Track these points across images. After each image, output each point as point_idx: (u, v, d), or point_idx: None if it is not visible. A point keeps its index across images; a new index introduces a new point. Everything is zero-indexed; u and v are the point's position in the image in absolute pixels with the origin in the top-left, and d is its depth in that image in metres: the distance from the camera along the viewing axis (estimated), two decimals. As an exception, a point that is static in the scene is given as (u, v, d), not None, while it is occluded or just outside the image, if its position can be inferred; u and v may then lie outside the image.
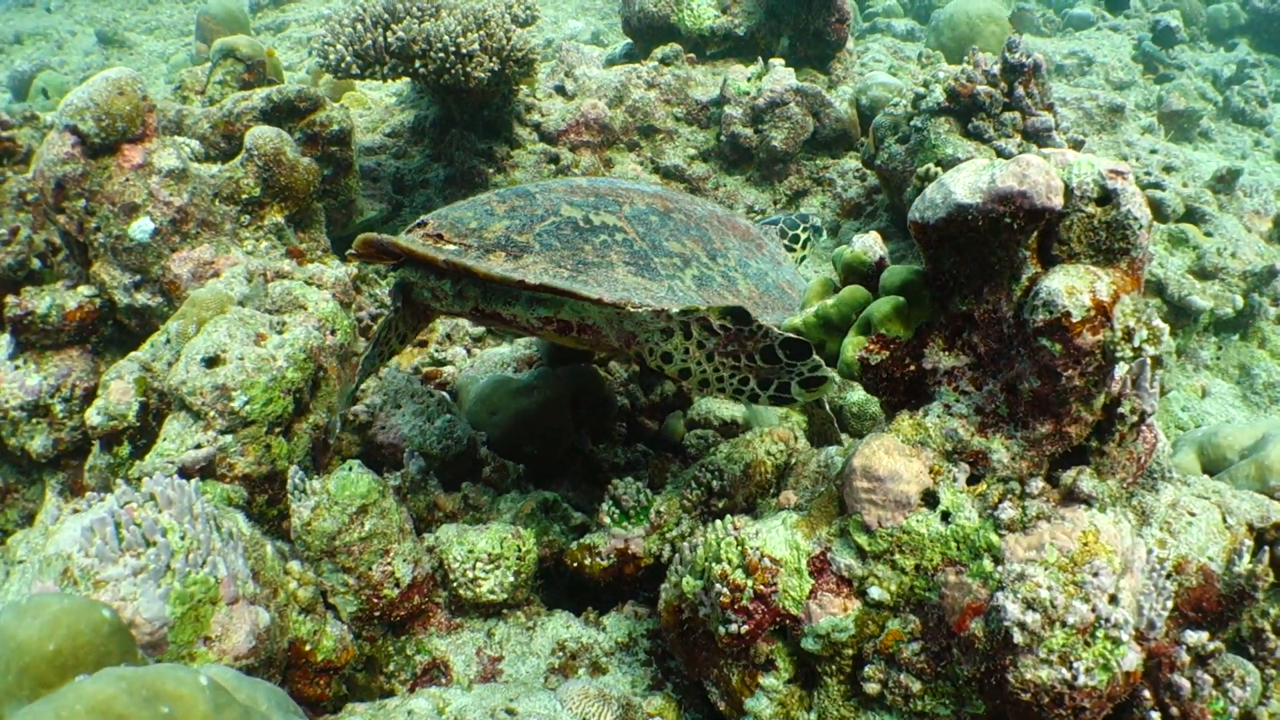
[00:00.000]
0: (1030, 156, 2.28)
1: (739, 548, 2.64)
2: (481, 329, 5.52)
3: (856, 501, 2.58)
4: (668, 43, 7.88)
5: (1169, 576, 2.81)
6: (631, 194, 3.46)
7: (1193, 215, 6.50)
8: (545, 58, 9.62)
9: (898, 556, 2.50)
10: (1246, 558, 2.82)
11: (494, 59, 6.09)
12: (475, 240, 3.12)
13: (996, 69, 5.54)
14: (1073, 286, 2.26)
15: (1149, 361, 2.67)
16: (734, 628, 2.59)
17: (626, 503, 3.30)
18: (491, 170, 6.91)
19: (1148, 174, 6.59)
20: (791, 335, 2.94)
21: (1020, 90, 5.49)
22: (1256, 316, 6.21)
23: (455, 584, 3.13)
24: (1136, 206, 2.29)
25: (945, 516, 2.49)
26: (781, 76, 6.80)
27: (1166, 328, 2.30)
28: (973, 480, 2.55)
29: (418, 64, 6.09)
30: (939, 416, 2.58)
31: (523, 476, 3.91)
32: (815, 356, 3.02)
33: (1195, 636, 2.61)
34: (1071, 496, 2.51)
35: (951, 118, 5.62)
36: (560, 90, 7.47)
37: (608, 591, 3.35)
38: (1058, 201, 2.28)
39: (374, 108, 8.87)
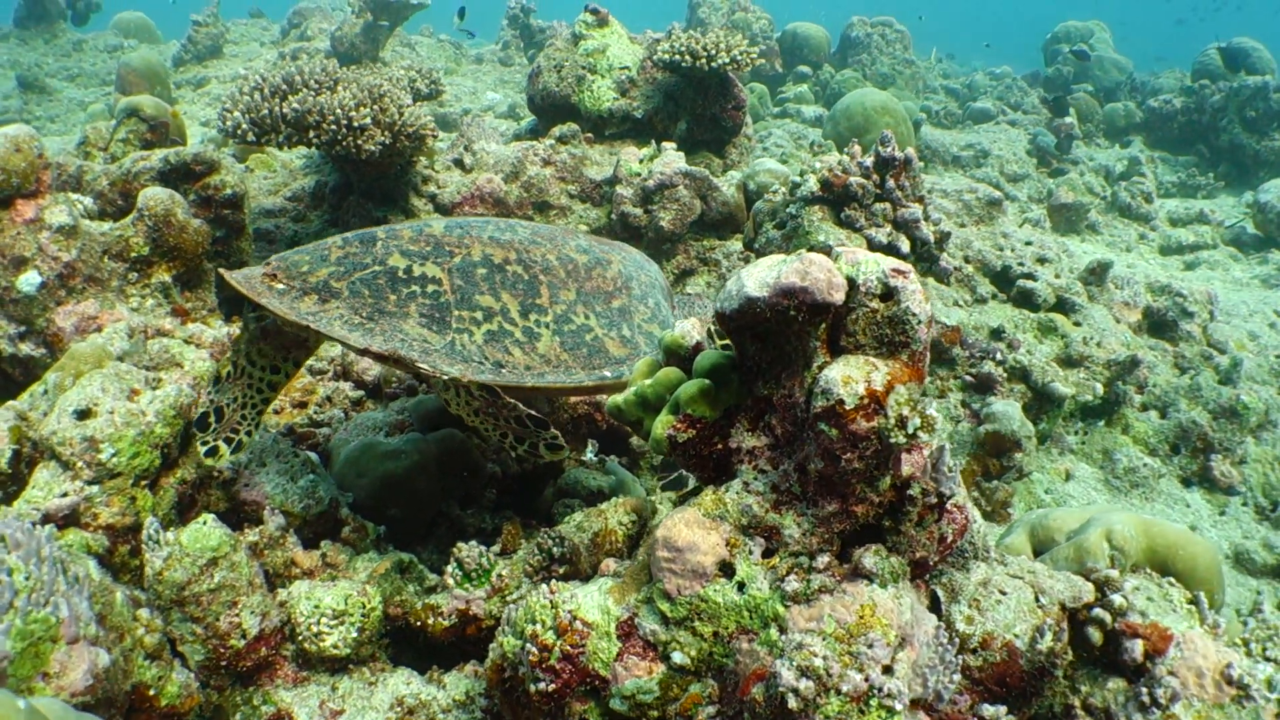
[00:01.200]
0: (815, 255, 2.41)
1: (552, 610, 2.73)
2: (361, 393, 5.54)
3: (659, 570, 2.66)
4: (569, 121, 8.06)
5: (973, 651, 2.89)
6: (477, 242, 3.63)
7: (1063, 305, 6.77)
8: (458, 126, 9.74)
9: (697, 623, 2.58)
10: (1049, 636, 2.91)
11: (385, 133, 6.22)
12: (299, 283, 3.38)
13: (869, 161, 5.76)
14: (849, 376, 2.37)
15: (948, 448, 2.79)
16: (543, 686, 2.67)
17: (469, 565, 3.40)
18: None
19: (1021, 264, 6.86)
20: (533, 414, 3.34)
21: (891, 182, 5.72)
22: (1122, 404, 6.45)
23: (301, 638, 3.22)
24: (916, 303, 2.42)
25: (740, 587, 2.58)
26: (671, 159, 6.98)
27: (940, 417, 2.41)
28: (768, 553, 2.64)
29: (311, 134, 6.23)
30: (738, 493, 2.68)
31: (384, 538, 4.01)
32: (553, 430, 3.40)
33: (992, 710, 2.69)
34: (856, 572, 2.59)
35: (825, 206, 5.82)
36: (459, 163, 7.58)
37: (456, 651, 3.41)
38: (839, 297, 2.41)
39: (280, 170, 8.90)
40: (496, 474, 4.76)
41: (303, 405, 5.95)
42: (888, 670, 2.46)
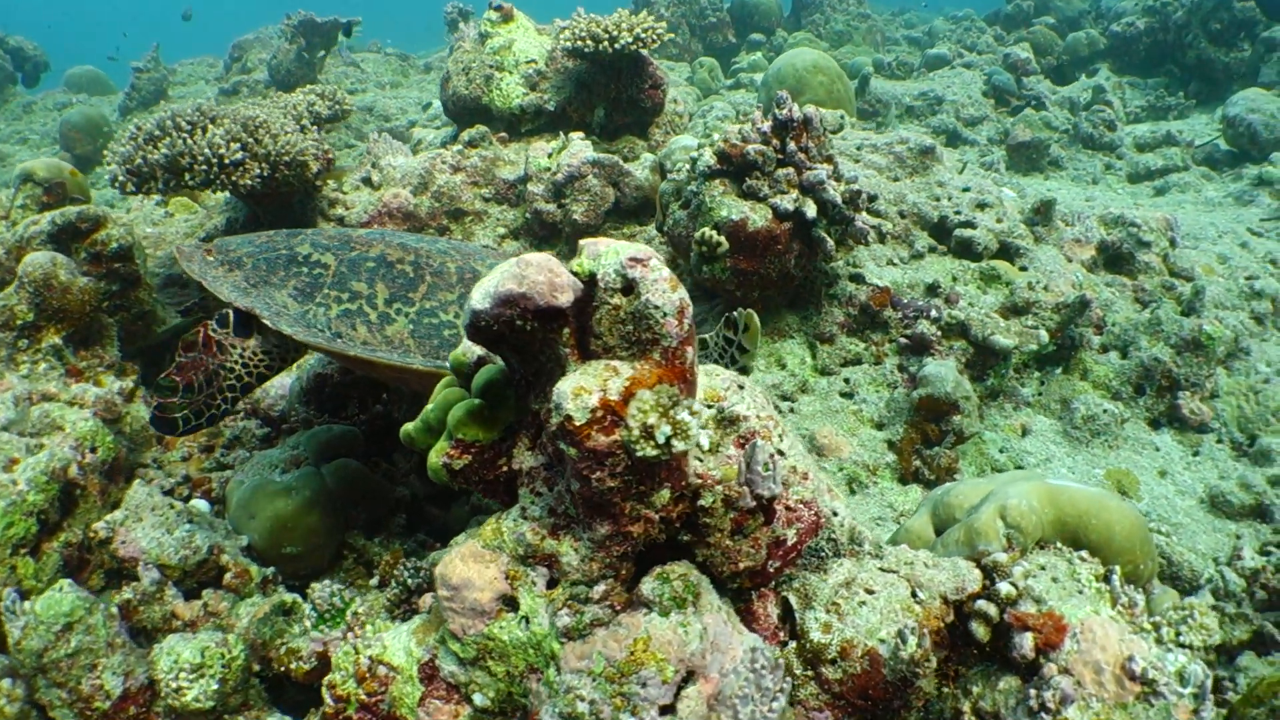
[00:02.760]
0: (533, 256, 2.11)
1: (354, 656, 2.61)
2: (268, 430, 5.49)
3: (444, 609, 2.46)
4: (483, 123, 7.74)
5: (832, 662, 2.55)
6: (383, 244, 3.97)
7: (1007, 251, 6.36)
8: (407, 140, 9.44)
9: (490, 663, 2.42)
10: (912, 641, 2.55)
11: (261, 165, 5.96)
12: (221, 256, 3.91)
13: (768, 126, 5.37)
14: (581, 388, 2.07)
15: (761, 444, 2.44)
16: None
17: (321, 606, 3.38)
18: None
19: (958, 213, 6.44)
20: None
21: (793, 145, 5.33)
22: (1079, 348, 6.03)
23: (163, 694, 3.23)
24: (658, 294, 2.08)
25: (525, 621, 2.38)
26: (578, 150, 6.63)
27: (694, 420, 2.07)
28: (553, 583, 2.42)
29: (186, 176, 6.02)
30: (514, 520, 2.47)
31: (276, 579, 4.04)
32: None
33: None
34: (636, 601, 2.28)
35: (727, 179, 5.44)
36: (367, 182, 7.28)
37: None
38: (564, 299, 2.09)
39: (200, 211, 8.65)
40: (406, 497, 4.67)
41: (209, 449, 5.91)
42: (667, 711, 2.16)
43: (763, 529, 2.57)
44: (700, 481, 2.34)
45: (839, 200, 5.20)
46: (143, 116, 8.41)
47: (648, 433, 2.08)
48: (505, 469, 2.50)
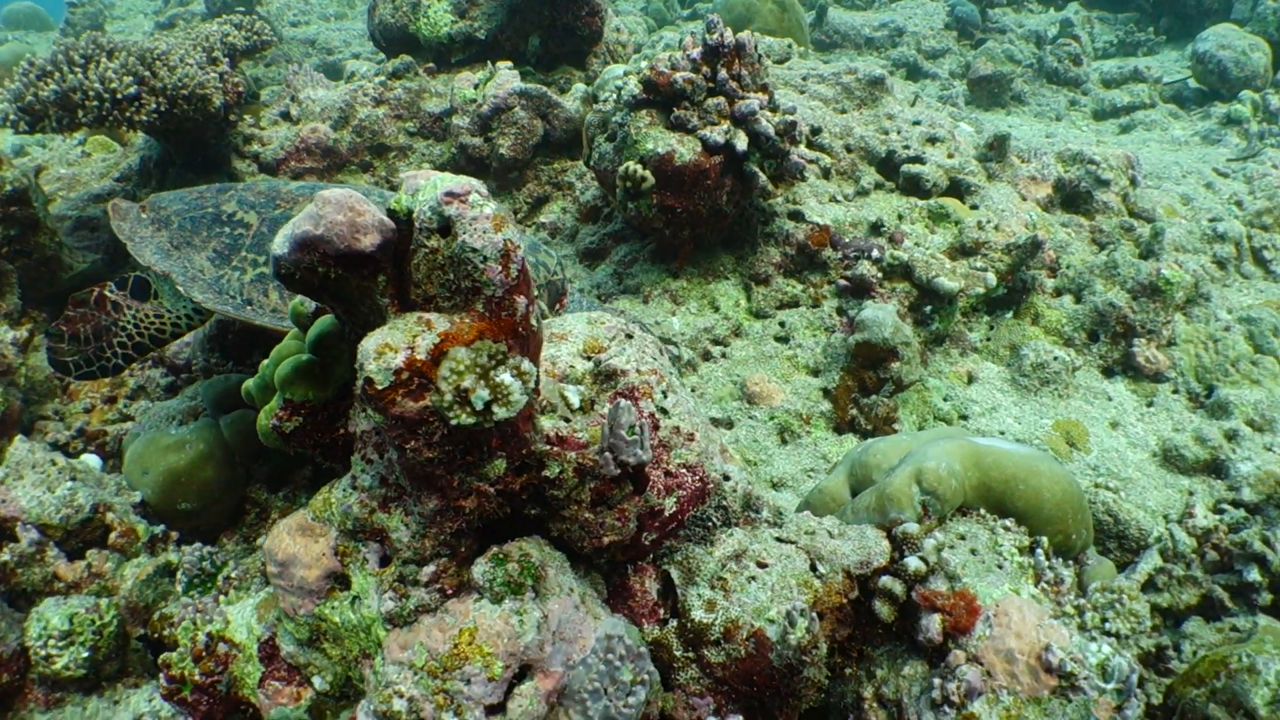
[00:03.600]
0: (334, 193, 1.75)
1: (192, 632, 2.47)
2: (173, 379, 5.31)
3: (275, 586, 2.26)
4: (413, 53, 7.26)
5: (715, 644, 2.25)
6: (307, 200, 3.79)
7: (957, 188, 6.00)
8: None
9: (326, 645, 2.21)
10: (801, 624, 2.24)
11: (159, 99, 5.49)
12: (154, 214, 3.82)
13: (698, 53, 4.96)
14: (386, 345, 1.71)
15: (625, 405, 2.10)
16: None
17: (190, 571, 3.16)
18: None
19: (906, 147, 6.07)
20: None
21: (724, 73, 4.92)
22: (1032, 291, 5.71)
23: (34, 662, 3.17)
24: (477, 235, 1.72)
25: (356, 602, 2.16)
26: (505, 80, 6.19)
27: (518, 382, 1.73)
28: (386, 561, 2.15)
29: (79, 113, 5.56)
30: (344, 490, 2.17)
31: (164, 537, 3.92)
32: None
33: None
34: (469, 585, 1.97)
35: (654, 109, 5.03)
36: (286, 116, 6.81)
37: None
38: (368, 242, 1.72)
39: (117, 150, 8.16)
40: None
41: (112, 400, 5.62)
42: (496, 710, 1.86)
43: (632, 498, 2.25)
44: (547, 449, 2.00)
45: (772, 132, 4.81)
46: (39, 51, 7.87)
47: (462, 397, 1.74)
48: (344, 432, 2.17)
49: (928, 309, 5.25)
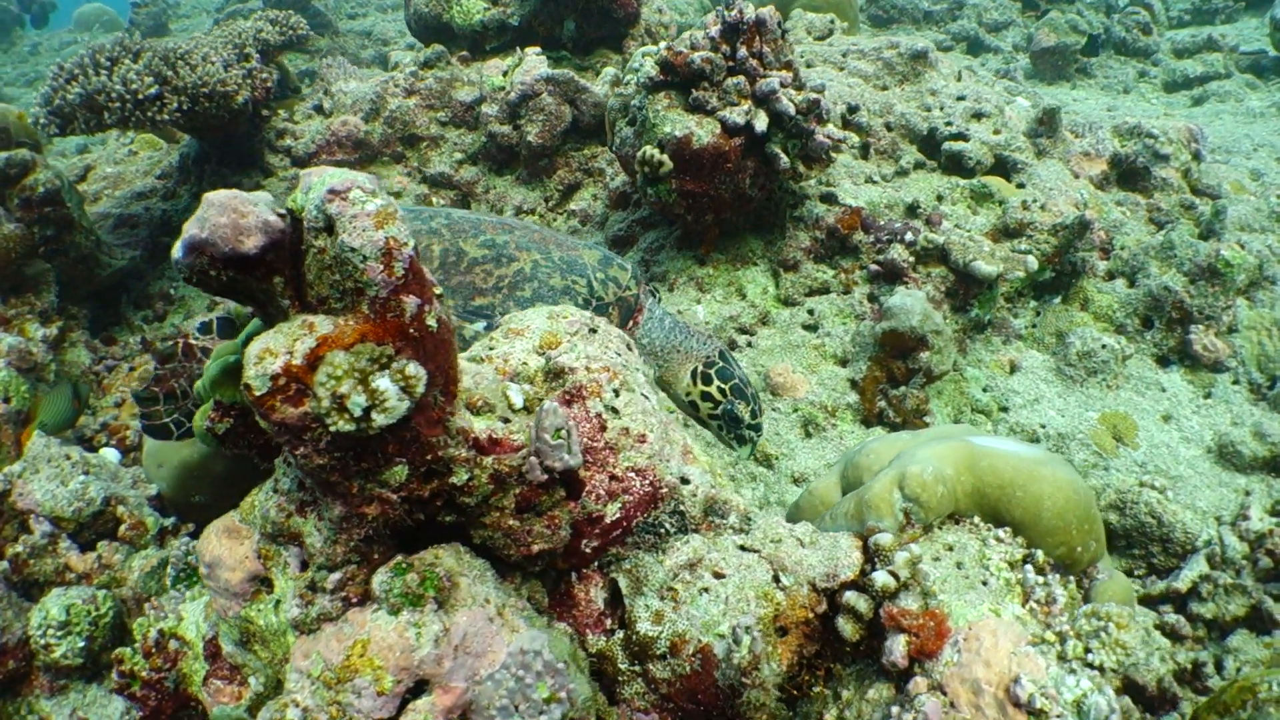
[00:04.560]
0: (220, 195, 1.70)
1: (146, 629, 2.46)
2: None
3: (207, 588, 2.24)
4: (448, 42, 7.20)
5: (661, 658, 2.09)
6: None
7: (1003, 166, 5.68)
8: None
9: (256, 647, 2.16)
10: (745, 642, 2.06)
11: (181, 98, 5.51)
12: None
13: (716, 31, 4.76)
14: (267, 350, 1.65)
15: (551, 407, 1.96)
16: (135, 714, 2.42)
17: (177, 565, 3.21)
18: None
19: (949, 124, 5.77)
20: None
21: (744, 51, 4.71)
22: (1082, 274, 5.38)
23: (35, 650, 3.24)
24: (356, 233, 1.63)
25: (278, 606, 2.10)
26: (532, 66, 6.06)
27: (394, 386, 1.63)
28: (306, 565, 2.07)
29: (105, 115, 5.65)
30: (266, 494, 2.12)
31: (171, 531, 3.98)
32: None
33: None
34: (369, 594, 1.88)
35: (672, 91, 4.85)
36: (319, 110, 6.81)
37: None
38: (251, 244, 1.65)
39: (163, 148, 8.29)
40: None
41: None
42: None
43: (564, 504, 2.11)
44: (456, 454, 1.88)
45: (793, 111, 4.59)
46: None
47: (339, 404, 1.62)
48: None
49: (968, 294, 4.97)
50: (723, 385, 3.54)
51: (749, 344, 4.95)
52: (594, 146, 6.30)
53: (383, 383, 1.64)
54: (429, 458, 1.86)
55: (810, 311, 5.04)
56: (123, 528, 3.97)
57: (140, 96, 5.51)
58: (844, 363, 4.82)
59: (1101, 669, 1.94)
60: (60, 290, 5.96)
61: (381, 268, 1.66)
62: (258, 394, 1.61)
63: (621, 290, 3.70)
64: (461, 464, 1.89)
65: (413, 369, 1.70)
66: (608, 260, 3.76)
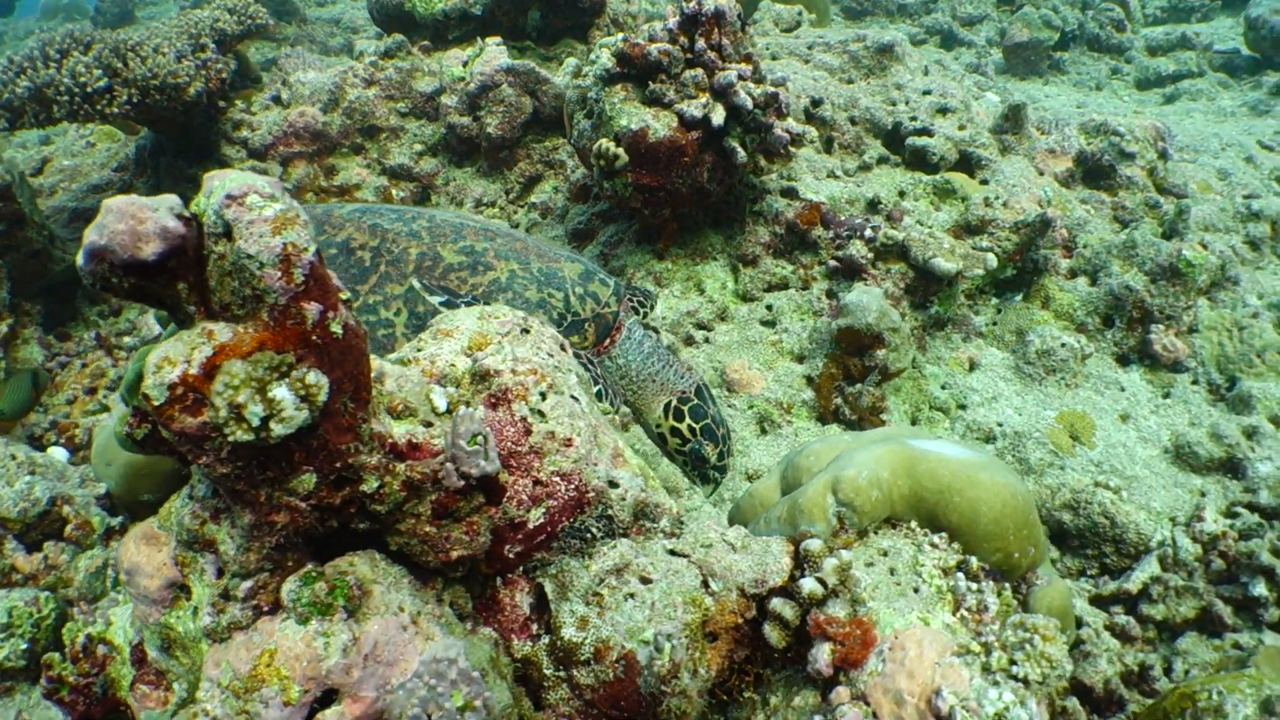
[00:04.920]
0: (117, 202, 1.62)
1: (74, 633, 2.42)
2: None
3: (128, 593, 2.24)
4: (409, 31, 7.09)
5: (585, 664, 2.04)
6: (351, 225, 3.63)
7: (968, 162, 5.65)
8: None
9: (178, 653, 2.13)
10: (666, 650, 2.01)
11: (131, 91, 5.40)
12: None
13: (675, 23, 4.69)
14: (165, 359, 1.64)
15: (469, 413, 1.91)
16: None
17: (117, 567, 3.27)
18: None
19: (914, 119, 5.73)
20: None
21: (702, 43, 4.64)
22: (1044, 272, 5.35)
23: None
24: (253, 239, 1.61)
25: (196, 613, 2.08)
26: (492, 57, 5.98)
27: (291, 396, 1.61)
28: (223, 573, 2.04)
29: (54, 109, 5.52)
30: (183, 500, 2.09)
31: (118, 531, 4.01)
32: None
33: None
34: (280, 603, 1.90)
35: (629, 84, 4.77)
36: (277, 100, 6.70)
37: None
38: (150, 250, 1.63)
39: (121, 139, 8.15)
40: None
41: (93, 391, 5.63)
42: None
43: (484, 510, 2.06)
44: (366, 462, 1.83)
45: (750, 105, 4.53)
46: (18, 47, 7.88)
47: (237, 414, 1.58)
48: None
49: (928, 291, 4.94)
50: (693, 424, 3.53)
51: (706, 340, 4.89)
52: (555, 138, 6.23)
53: (280, 392, 1.60)
54: (338, 465, 1.81)
55: (769, 307, 4.99)
56: (69, 528, 3.99)
57: (89, 90, 5.41)
58: (801, 359, 4.78)
59: (1026, 681, 1.89)
60: (12, 286, 5.84)
61: (279, 274, 1.61)
62: (156, 404, 1.58)
63: (600, 307, 3.66)
64: (372, 471, 1.84)
65: (313, 377, 1.65)
66: (589, 275, 3.70)
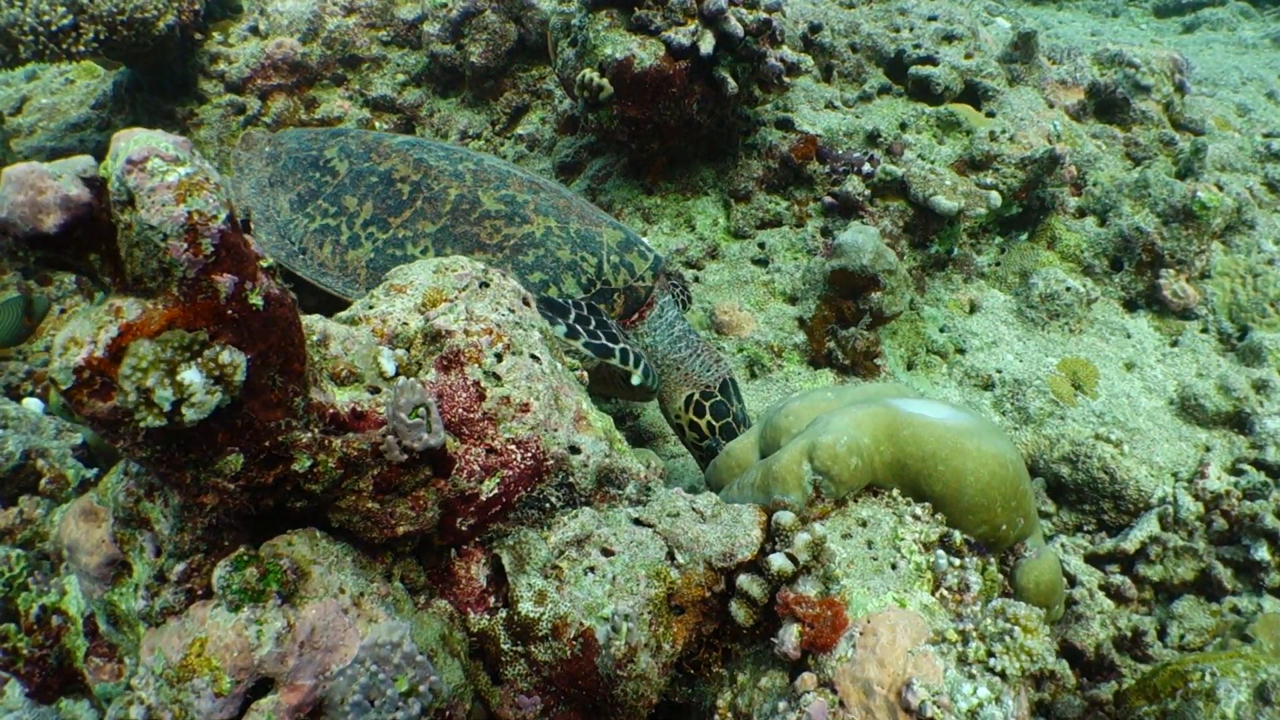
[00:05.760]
0: (16, 170, 1.49)
1: (29, 604, 2.38)
2: None
3: (71, 570, 2.21)
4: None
5: (542, 640, 1.94)
6: (397, 156, 3.69)
7: (973, 93, 5.39)
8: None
9: (125, 630, 2.09)
10: (624, 630, 1.89)
11: (98, 27, 5.17)
12: (272, 149, 3.97)
13: (664, -59, 4.42)
14: (73, 339, 1.53)
15: (409, 383, 1.77)
16: (20, 690, 2.35)
17: None
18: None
19: (918, 46, 5.45)
20: None
21: (693, -36, 4.38)
22: (1051, 211, 5.13)
23: None
24: (155, 209, 1.49)
25: (137, 590, 2.01)
26: (476, -21, 5.70)
27: (202, 379, 1.54)
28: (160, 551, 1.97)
29: (20, 49, 5.33)
30: (119, 476, 2.00)
31: (93, 482, 3.78)
32: None
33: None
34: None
35: (614, 10, 4.52)
36: (255, 31, 6.41)
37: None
38: (51, 223, 1.51)
39: (101, 74, 7.88)
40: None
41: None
42: None
43: (433, 484, 1.95)
44: (296, 439, 1.69)
45: (742, 32, 4.28)
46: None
47: (146, 398, 1.45)
48: None
49: (928, 230, 4.74)
50: (713, 422, 3.43)
51: (696, 279, 4.72)
52: (542, 67, 5.97)
53: (189, 375, 1.46)
54: (267, 444, 1.67)
55: (761, 245, 4.80)
56: (43, 481, 3.90)
57: (54, 28, 5.18)
58: (793, 300, 4.60)
59: (1004, 675, 1.76)
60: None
61: (186, 246, 1.46)
62: (64, 388, 1.46)
63: (634, 279, 3.50)
64: (303, 450, 1.71)
65: (228, 356, 1.51)
66: (629, 244, 3.53)
